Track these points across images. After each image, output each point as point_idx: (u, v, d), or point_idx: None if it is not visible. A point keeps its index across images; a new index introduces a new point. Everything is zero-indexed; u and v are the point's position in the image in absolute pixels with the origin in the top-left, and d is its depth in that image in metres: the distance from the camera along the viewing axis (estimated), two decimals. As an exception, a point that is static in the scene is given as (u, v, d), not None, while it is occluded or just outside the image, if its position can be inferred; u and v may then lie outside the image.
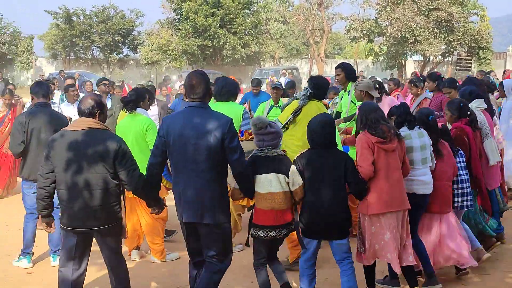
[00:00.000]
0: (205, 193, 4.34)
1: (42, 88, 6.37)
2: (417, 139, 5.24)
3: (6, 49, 41.93)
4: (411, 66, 38.77)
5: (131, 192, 4.61)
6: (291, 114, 5.88)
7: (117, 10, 43.02)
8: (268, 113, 8.93)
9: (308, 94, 5.88)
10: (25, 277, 6.01)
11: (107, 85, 9.95)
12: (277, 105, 8.95)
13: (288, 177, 4.69)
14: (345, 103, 7.15)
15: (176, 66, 37.96)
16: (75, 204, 4.38)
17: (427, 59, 35.66)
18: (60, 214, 4.58)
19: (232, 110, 5.99)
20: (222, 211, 4.41)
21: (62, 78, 21.84)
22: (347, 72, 7.06)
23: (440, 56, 35.17)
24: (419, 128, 5.30)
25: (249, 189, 4.68)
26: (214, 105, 5.88)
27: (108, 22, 41.77)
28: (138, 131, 6.05)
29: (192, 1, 36.70)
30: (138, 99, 6.23)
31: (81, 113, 4.49)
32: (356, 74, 7.80)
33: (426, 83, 8.90)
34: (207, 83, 4.46)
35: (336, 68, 7.20)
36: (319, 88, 6.03)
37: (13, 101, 9.72)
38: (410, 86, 8.96)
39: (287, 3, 44.08)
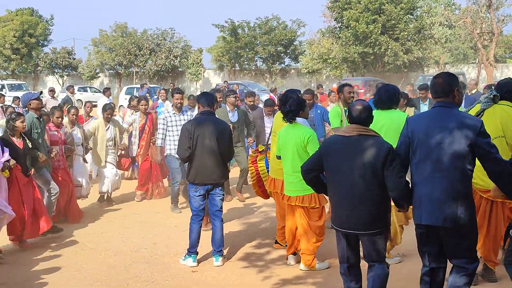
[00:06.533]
0: (448, 195, 4.17)
1: (207, 98, 6.76)
2: None
3: (178, 62, 45.03)
4: None
5: (392, 198, 4.54)
6: None
7: (279, 21, 44.24)
8: None
9: (492, 96, 5.53)
10: (190, 275, 6.39)
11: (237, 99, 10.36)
12: None
13: None
14: None
15: (336, 74, 38.05)
16: (344, 207, 4.54)
17: None
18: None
19: (394, 118, 5.86)
20: (465, 213, 4.18)
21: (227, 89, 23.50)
22: None
23: None
24: None
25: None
26: (375, 113, 5.68)
27: (271, 33, 43.07)
28: (298, 142, 6.01)
29: (353, 9, 36.60)
30: (298, 109, 6.11)
31: (351, 119, 4.61)
32: None
33: None
34: (450, 84, 4.33)
35: None
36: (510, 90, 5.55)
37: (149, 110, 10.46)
38: None
39: (453, 7, 42.15)
